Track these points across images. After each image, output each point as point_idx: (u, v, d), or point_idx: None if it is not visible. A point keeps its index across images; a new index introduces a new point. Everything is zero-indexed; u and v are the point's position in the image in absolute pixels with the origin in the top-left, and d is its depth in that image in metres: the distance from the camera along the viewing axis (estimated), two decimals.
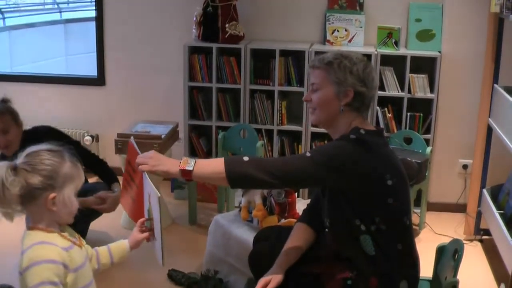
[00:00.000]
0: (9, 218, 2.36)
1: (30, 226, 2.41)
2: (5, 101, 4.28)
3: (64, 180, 2.37)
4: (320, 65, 2.93)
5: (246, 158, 2.77)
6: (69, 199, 2.40)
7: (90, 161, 4.61)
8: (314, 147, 5.58)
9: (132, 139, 3.06)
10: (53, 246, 2.35)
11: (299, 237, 3.14)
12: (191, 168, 2.74)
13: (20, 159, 2.35)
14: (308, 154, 2.79)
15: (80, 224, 3.56)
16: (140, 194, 2.84)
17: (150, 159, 2.75)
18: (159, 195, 2.58)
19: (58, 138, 4.26)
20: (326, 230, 3.06)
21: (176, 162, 2.77)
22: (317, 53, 5.26)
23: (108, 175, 4.57)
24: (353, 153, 2.78)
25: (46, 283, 2.26)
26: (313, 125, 5.47)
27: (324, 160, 2.75)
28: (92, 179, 4.80)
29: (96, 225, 4.73)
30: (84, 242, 2.59)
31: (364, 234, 2.83)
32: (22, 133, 4.30)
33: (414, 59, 5.36)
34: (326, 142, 5.58)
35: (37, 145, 2.42)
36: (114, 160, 5.43)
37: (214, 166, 2.77)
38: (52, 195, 2.33)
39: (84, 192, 4.18)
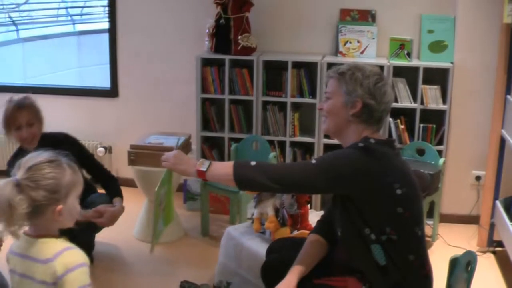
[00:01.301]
0: (16, 236, 2.36)
1: (40, 234, 2.40)
2: (28, 97, 4.41)
3: (67, 190, 2.37)
4: (334, 75, 3.00)
5: (253, 163, 2.90)
6: (73, 207, 2.43)
7: (101, 175, 4.65)
8: None
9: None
10: (78, 250, 2.39)
11: (312, 249, 3.14)
12: (204, 169, 2.96)
13: (20, 173, 2.33)
14: (313, 161, 2.87)
15: (85, 236, 3.60)
16: None
17: (173, 158, 3.05)
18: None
19: (74, 147, 4.39)
20: (338, 239, 3.06)
21: (194, 162, 3.02)
22: (329, 64, 5.27)
23: (113, 189, 4.59)
24: (358, 161, 2.81)
25: (86, 286, 2.33)
26: (325, 136, 5.47)
27: (328, 168, 2.82)
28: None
29: (108, 237, 4.74)
30: None
31: (375, 243, 2.83)
32: (41, 130, 4.41)
33: (427, 70, 5.36)
34: None
35: (33, 154, 2.41)
36: (127, 172, 5.45)
37: (224, 168, 2.97)
38: (59, 207, 2.35)
39: (88, 204, 4.25)
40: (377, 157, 2.83)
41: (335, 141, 5.28)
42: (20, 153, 4.16)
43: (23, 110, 4.27)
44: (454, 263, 3.06)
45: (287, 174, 2.87)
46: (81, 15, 10.49)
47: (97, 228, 4.49)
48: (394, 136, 5.41)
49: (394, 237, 2.83)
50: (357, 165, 2.80)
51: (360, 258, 2.91)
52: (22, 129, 4.25)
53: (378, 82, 2.93)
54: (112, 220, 4.35)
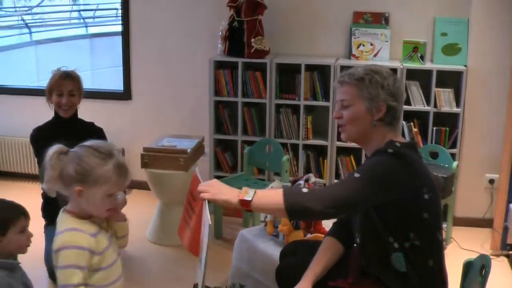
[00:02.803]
0: (51, 193, 2.62)
1: (66, 209, 2.64)
2: (76, 71, 4.70)
3: (95, 180, 2.55)
4: (351, 81, 2.90)
5: (305, 190, 2.76)
6: (94, 198, 2.59)
7: None
8: (340, 162, 5.58)
9: (196, 170, 3.12)
10: (82, 234, 2.57)
11: (327, 251, 3.12)
12: (250, 199, 2.71)
13: (77, 147, 2.61)
14: (356, 175, 2.74)
15: None
16: (198, 223, 2.84)
17: (211, 188, 2.75)
18: (210, 223, 2.61)
19: (99, 136, 4.60)
20: (356, 245, 3.04)
21: (236, 192, 2.76)
22: (342, 67, 5.27)
23: None
24: (395, 168, 2.76)
25: (73, 266, 2.50)
26: (338, 139, 5.47)
27: (373, 178, 2.72)
28: None
29: None
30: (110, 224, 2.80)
31: (397, 252, 2.81)
32: (79, 104, 4.68)
33: (440, 73, 5.34)
34: (352, 156, 5.58)
35: (97, 140, 2.69)
36: (140, 175, 5.45)
37: (273, 197, 2.74)
38: (78, 187, 2.54)
39: None
40: (409, 161, 2.79)
41: (349, 144, 5.30)
42: (54, 123, 4.61)
43: (69, 80, 4.56)
44: (468, 266, 3.05)
45: (339, 195, 2.71)
46: (93, 17, 10.53)
47: None
48: (407, 139, 5.38)
49: (417, 243, 2.80)
50: (395, 171, 2.75)
51: (378, 265, 2.89)
52: (63, 96, 4.52)
53: (396, 82, 2.90)
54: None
